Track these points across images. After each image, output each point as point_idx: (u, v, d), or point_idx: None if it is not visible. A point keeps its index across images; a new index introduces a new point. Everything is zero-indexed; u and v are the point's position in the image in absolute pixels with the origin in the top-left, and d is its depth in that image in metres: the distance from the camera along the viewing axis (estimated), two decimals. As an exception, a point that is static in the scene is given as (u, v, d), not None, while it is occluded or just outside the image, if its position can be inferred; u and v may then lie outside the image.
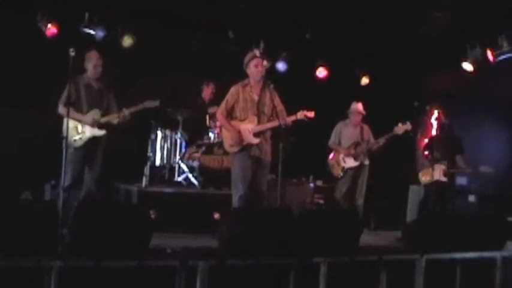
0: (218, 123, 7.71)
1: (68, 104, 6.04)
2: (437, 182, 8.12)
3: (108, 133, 6.57)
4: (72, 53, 6.18)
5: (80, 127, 6.42)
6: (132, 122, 6.70)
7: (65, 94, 6.36)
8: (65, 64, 6.26)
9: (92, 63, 6.55)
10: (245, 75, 6.40)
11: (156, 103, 6.68)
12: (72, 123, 6.23)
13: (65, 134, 5.99)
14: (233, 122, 6.33)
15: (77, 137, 6.38)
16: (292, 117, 6.27)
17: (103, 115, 6.54)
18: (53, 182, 7.33)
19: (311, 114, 6.28)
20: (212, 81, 8.74)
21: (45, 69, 6.49)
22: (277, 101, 6.34)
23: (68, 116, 5.88)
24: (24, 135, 7.18)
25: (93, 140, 6.47)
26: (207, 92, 8.74)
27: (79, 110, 6.44)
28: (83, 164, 6.41)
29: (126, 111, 6.56)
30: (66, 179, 6.06)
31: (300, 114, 6.26)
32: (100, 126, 6.50)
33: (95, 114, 6.47)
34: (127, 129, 7.86)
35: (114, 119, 6.58)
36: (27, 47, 7.89)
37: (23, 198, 6.80)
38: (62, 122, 6.33)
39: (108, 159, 7.94)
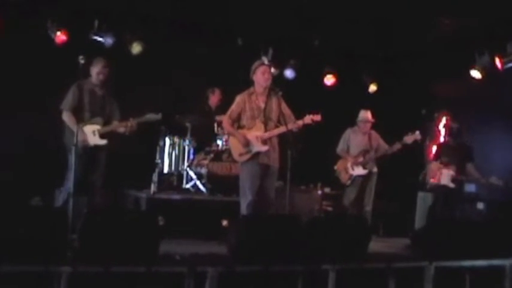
0: (226, 131, 7.73)
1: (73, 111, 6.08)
2: (445, 188, 8.02)
3: (112, 141, 6.52)
4: (81, 61, 6.24)
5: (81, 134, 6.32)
6: (136, 132, 6.63)
7: (69, 98, 6.38)
8: (75, 71, 6.35)
9: (96, 70, 6.51)
10: (252, 82, 6.43)
11: (158, 116, 6.62)
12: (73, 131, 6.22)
13: (72, 141, 6.01)
14: (240, 131, 6.35)
15: (79, 145, 6.23)
16: (300, 122, 6.29)
17: (105, 123, 6.48)
18: (61, 189, 7.37)
19: (317, 117, 6.31)
20: (219, 87, 8.76)
21: (55, 76, 6.55)
22: (283, 106, 6.36)
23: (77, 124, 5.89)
24: (34, 141, 7.23)
25: (95, 148, 6.41)
26: (214, 99, 8.75)
27: (81, 116, 6.38)
28: (84, 171, 6.28)
29: (133, 122, 6.49)
30: (68, 186, 6.08)
31: (307, 119, 6.29)
32: (102, 135, 6.43)
33: (96, 123, 6.41)
34: (135, 136, 7.94)
35: (119, 128, 6.52)
36: (37, 54, 7.95)
37: (33, 204, 6.83)
38: (63, 127, 6.36)
39: (116, 166, 7.97)
